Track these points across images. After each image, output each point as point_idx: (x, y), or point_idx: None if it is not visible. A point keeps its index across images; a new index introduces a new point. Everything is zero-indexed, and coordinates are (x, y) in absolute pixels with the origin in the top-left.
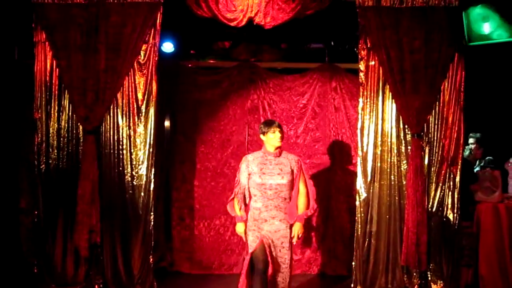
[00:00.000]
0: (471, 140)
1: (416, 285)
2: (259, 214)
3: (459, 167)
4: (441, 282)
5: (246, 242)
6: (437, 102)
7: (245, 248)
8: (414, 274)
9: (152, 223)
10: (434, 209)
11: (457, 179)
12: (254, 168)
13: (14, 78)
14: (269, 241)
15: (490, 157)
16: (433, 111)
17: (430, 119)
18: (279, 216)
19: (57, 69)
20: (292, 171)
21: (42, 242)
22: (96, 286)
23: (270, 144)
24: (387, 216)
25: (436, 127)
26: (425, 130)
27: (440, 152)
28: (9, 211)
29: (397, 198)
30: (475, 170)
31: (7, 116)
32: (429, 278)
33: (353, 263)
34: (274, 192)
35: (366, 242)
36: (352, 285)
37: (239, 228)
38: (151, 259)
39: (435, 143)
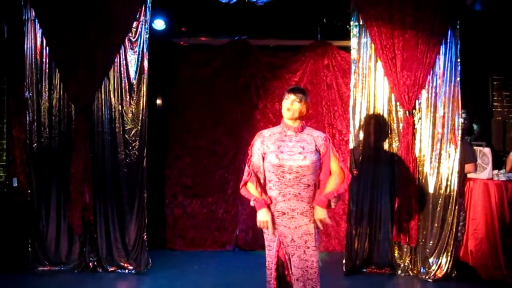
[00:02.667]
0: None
1: (407, 261)
2: (274, 206)
3: (457, 144)
4: (435, 258)
5: (271, 236)
6: (431, 78)
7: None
8: (405, 250)
9: (145, 200)
10: (430, 186)
11: (455, 155)
12: (271, 145)
13: (4, 57)
14: (287, 241)
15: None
16: (427, 87)
17: (424, 95)
18: (300, 208)
19: (48, 47)
20: (317, 150)
21: (36, 220)
22: (90, 264)
23: (284, 115)
24: (379, 193)
25: (430, 103)
26: (419, 106)
27: (435, 128)
28: (2, 190)
29: (389, 174)
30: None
31: None
32: (421, 254)
33: (345, 240)
34: (294, 177)
35: (358, 218)
36: (344, 261)
37: (263, 216)
38: (145, 237)
39: (429, 119)
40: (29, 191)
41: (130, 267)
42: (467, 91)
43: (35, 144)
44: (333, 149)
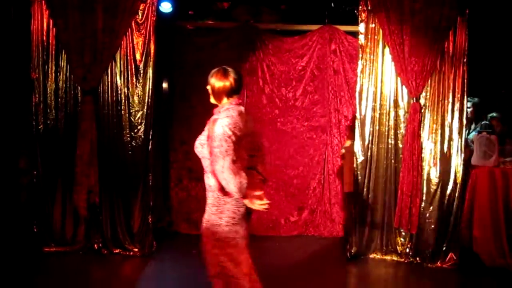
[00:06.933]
0: (468, 104)
1: (411, 247)
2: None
3: (462, 131)
4: (439, 246)
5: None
6: (438, 66)
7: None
8: (408, 236)
9: (150, 183)
10: (435, 173)
11: (461, 143)
12: None
13: (11, 38)
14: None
15: (487, 122)
16: (435, 73)
17: (431, 82)
18: (208, 204)
19: (54, 29)
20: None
21: (42, 202)
22: (96, 246)
23: None
24: (383, 179)
25: (437, 90)
26: (425, 93)
27: (441, 116)
28: (9, 171)
29: (393, 161)
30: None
31: (4, 76)
32: (425, 241)
33: (349, 225)
34: (205, 166)
35: (363, 204)
36: (347, 247)
37: None
38: (150, 219)
39: (436, 107)
40: (35, 172)
41: (135, 249)
42: (475, 79)
43: (41, 126)
44: (216, 136)
